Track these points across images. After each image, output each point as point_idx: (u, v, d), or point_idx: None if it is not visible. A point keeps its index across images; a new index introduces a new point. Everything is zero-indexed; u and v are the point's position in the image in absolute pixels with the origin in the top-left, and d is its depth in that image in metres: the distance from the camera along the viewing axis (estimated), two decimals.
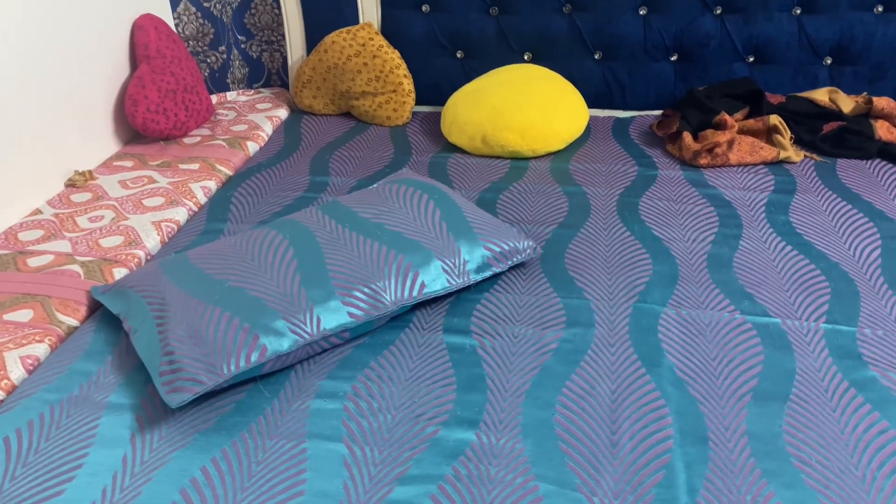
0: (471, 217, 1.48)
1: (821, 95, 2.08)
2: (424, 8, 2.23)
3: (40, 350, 1.26)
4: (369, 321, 1.27)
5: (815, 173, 1.85)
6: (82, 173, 1.82)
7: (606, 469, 1.01)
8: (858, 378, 1.17)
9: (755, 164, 1.90)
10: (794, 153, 1.90)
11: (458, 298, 1.39)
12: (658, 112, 2.21)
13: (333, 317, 1.22)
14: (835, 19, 2.05)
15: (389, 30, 2.25)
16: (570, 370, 1.20)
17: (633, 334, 1.28)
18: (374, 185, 1.61)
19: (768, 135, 1.96)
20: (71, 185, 1.81)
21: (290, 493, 0.98)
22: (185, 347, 1.14)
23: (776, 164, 1.90)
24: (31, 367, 1.24)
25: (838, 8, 2.04)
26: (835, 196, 1.73)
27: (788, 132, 1.96)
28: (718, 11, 2.10)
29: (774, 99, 2.09)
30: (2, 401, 1.17)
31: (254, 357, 1.14)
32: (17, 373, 1.21)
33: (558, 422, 1.09)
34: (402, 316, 1.34)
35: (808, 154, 1.93)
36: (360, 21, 2.25)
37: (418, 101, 2.30)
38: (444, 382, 1.17)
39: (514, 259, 1.44)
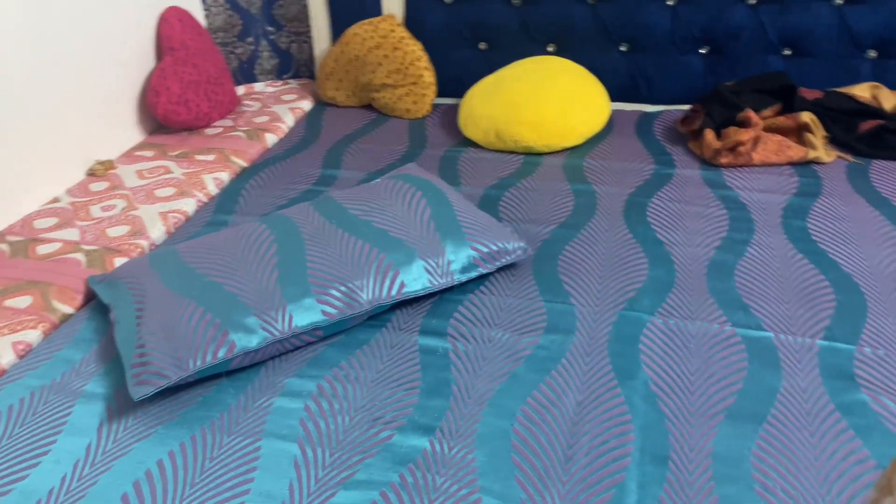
0: (462, 216, 1.45)
1: (862, 91, 1.95)
2: None
3: (33, 336, 1.32)
4: (344, 320, 1.27)
5: (845, 176, 1.74)
6: (103, 163, 1.89)
7: (555, 485, 0.98)
8: (846, 401, 1.10)
9: (781, 165, 1.80)
10: (824, 153, 1.79)
11: (441, 299, 1.37)
12: (686, 107, 2.12)
13: (306, 315, 1.23)
14: (879, 8, 1.91)
15: (412, 21, 2.23)
16: (539, 378, 1.17)
17: (613, 343, 1.24)
18: (375, 181, 1.60)
19: (798, 133, 1.85)
20: (91, 174, 1.87)
21: (235, 491, 1.00)
22: (156, 341, 1.17)
23: (804, 165, 1.79)
24: (22, 353, 1.29)
25: None
26: (862, 201, 1.62)
27: (821, 130, 1.85)
28: (752, 1, 1.99)
29: (810, 94, 1.97)
30: None
31: (221, 353, 1.16)
32: (7, 358, 1.27)
33: (516, 433, 1.07)
34: (382, 315, 1.34)
35: (840, 154, 1.82)
36: (383, 12, 2.24)
37: (440, 94, 2.28)
38: (408, 386, 1.16)
39: (503, 260, 1.41)
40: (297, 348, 1.26)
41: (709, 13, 2.01)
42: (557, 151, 1.94)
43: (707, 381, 1.15)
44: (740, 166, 1.80)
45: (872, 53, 1.98)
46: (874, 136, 1.82)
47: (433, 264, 1.34)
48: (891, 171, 1.74)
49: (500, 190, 1.76)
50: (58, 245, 1.56)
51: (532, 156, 1.93)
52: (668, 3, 2.04)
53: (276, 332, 1.20)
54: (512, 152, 1.95)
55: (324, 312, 1.24)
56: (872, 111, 1.87)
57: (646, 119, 2.08)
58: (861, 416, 1.07)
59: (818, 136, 1.82)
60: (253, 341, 1.18)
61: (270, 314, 1.21)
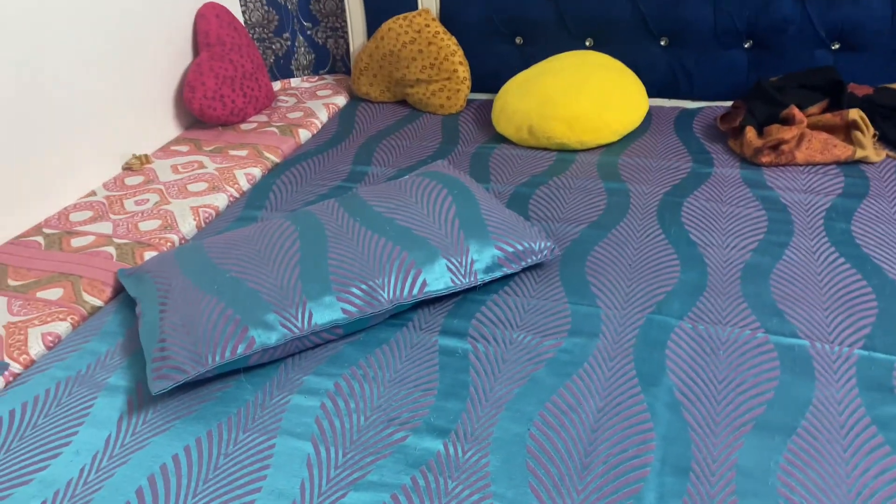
0: (488, 215, 1.43)
1: None
2: None
3: (62, 328, 1.34)
4: (364, 318, 1.26)
5: (894, 176, 1.65)
6: (139, 157, 1.92)
7: (569, 493, 0.96)
8: (884, 414, 1.04)
9: (826, 164, 1.72)
10: (873, 153, 1.71)
11: (464, 299, 1.35)
12: (728, 104, 2.05)
13: (326, 312, 1.22)
14: None
15: (448, 15, 2.21)
16: (559, 383, 1.14)
17: (638, 348, 1.20)
18: (402, 178, 1.59)
19: (846, 131, 1.77)
20: (128, 168, 1.90)
21: (247, 488, 0.99)
22: (177, 335, 1.17)
23: (851, 165, 1.72)
24: (50, 344, 1.32)
25: None
26: None
27: (871, 129, 1.76)
28: None
29: (860, 91, 1.88)
30: (18, 374, 1.26)
31: (240, 349, 1.16)
32: (36, 349, 1.30)
33: (532, 438, 1.04)
34: (403, 314, 1.32)
35: (891, 154, 1.74)
36: (419, 7, 2.22)
37: (476, 89, 2.25)
38: (426, 387, 1.15)
39: (529, 260, 1.39)
40: (317, 346, 1.26)
41: (753, 6, 1.94)
42: (592, 149, 1.90)
43: (735, 390, 1.10)
44: (783, 165, 1.73)
45: None
46: None
47: (456, 263, 1.32)
48: None
49: (531, 188, 1.73)
50: (91, 238, 1.59)
51: (566, 153, 1.89)
52: None
53: (296, 330, 1.19)
54: (545, 149, 1.92)
55: (344, 311, 1.23)
56: None
57: (685, 116, 2.02)
58: None
59: (867, 135, 1.74)
60: (272, 338, 1.18)
61: (290, 311, 1.20)
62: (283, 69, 2.43)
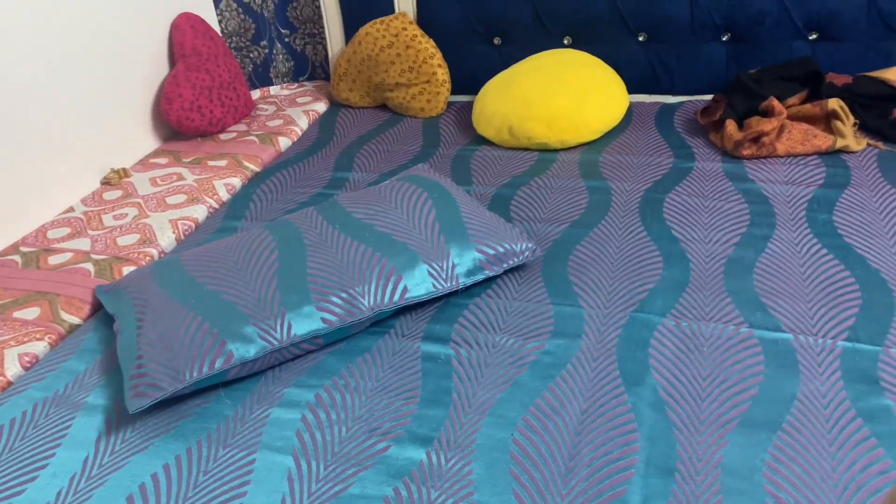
0: (468, 218, 1.42)
1: (895, 75, 1.85)
2: None
3: (39, 348, 1.32)
4: (345, 327, 1.25)
5: (876, 165, 1.65)
6: (117, 171, 1.90)
7: (553, 498, 0.94)
8: (869, 406, 1.03)
9: (807, 155, 1.72)
10: (853, 141, 1.71)
11: (447, 303, 1.34)
12: (709, 97, 2.05)
13: (305, 323, 1.20)
14: None
15: (425, 18, 2.20)
16: (542, 386, 1.13)
17: (622, 348, 1.19)
18: (382, 183, 1.58)
19: (826, 121, 1.77)
20: (106, 182, 1.88)
21: None
22: (154, 352, 1.16)
23: (832, 155, 1.71)
24: (28, 365, 1.30)
25: None
26: (892, 191, 1.54)
27: (851, 118, 1.76)
28: None
29: (839, 80, 1.88)
30: None
31: (218, 363, 1.14)
32: (13, 370, 1.27)
33: (515, 443, 1.03)
34: (385, 321, 1.31)
35: (871, 142, 1.73)
36: (396, 10, 2.21)
37: (456, 91, 2.25)
38: (408, 395, 1.13)
39: (510, 262, 1.37)
40: (298, 357, 1.24)
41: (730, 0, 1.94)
42: (573, 147, 1.89)
43: (720, 387, 1.09)
44: (764, 157, 1.73)
45: None
46: None
47: (437, 268, 1.31)
48: None
49: (512, 188, 1.72)
50: (69, 255, 1.57)
51: (547, 152, 1.88)
52: None
53: (275, 342, 1.18)
54: (526, 149, 1.91)
55: (323, 320, 1.21)
56: None
57: (666, 111, 2.02)
58: (885, 422, 1.01)
59: (847, 124, 1.74)
60: (251, 351, 1.16)
61: (268, 323, 1.19)
62: (261, 77, 2.41)
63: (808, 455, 0.97)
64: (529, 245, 1.39)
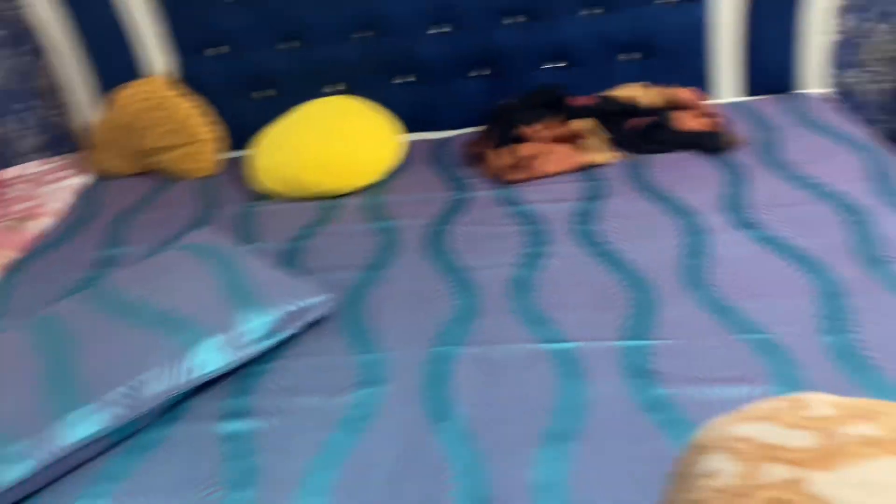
0: (256, 280, 1.37)
1: (631, 92, 2.07)
2: (223, 49, 2.11)
3: None
4: (133, 421, 1.14)
5: (628, 176, 1.82)
6: None
7: None
8: (647, 398, 1.13)
9: (572, 172, 1.86)
10: (599, 156, 1.88)
11: (245, 374, 1.28)
12: (480, 129, 2.16)
13: (83, 426, 1.09)
14: (626, 16, 2.05)
15: (189, 76, 2.12)
16: (354, 441, 1.11)
17: (426, 386, 1.20)
18: (157, 255, 1.48)
19: (576, 140, 1.94)
20: None
21: None
22: None
23: (590, 170, 1.87)
24: None
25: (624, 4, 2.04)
26: (642, 196, 1.70)
27: (601, 134, 1.93)
28: (513, 21, 2.06)
29: (588, 101, 2.06)
30: None
31: None
32: None
33: None
34: (177, 405, 1.22)
35: (621, 155, 1.92)
36: (152, 72, 2.10)
37: (233, 147, 2.18)
38: (209, 484, 1.06)
39: (307, 318, 1.35)
40: (87, 461, 1.11)
41: (480, 37, 2.06)
42: (356, 191, 1.90)
43: (521, 407, 1.14)
44: (531, 180, 1.84)
45: (635, 55, 2.11)
46: (641, 133, 1.94)
47: (228, 338, 1.25)
48: (667, 165, 1.83)
49: (301, 241, 1.69)
50: None
51: (330, 199, 1.88)
52: (434, 32, 2.06)
53: (48, 455, 1.05)
54: (310, 199, 1.89)
55: (105, 419, 1.10)
56: (637, 110, 1.99)
57: (438, 146, 2.10)
58: (662, 411, 1.10)
59: (596, 140, 1.91)
60: (16, 472, 1.02)
61: (39, 436, 1.06)
62: (5, 157, 2.17)
63: (608, 456, 1.03)
64: (322, 298, 1.37)
